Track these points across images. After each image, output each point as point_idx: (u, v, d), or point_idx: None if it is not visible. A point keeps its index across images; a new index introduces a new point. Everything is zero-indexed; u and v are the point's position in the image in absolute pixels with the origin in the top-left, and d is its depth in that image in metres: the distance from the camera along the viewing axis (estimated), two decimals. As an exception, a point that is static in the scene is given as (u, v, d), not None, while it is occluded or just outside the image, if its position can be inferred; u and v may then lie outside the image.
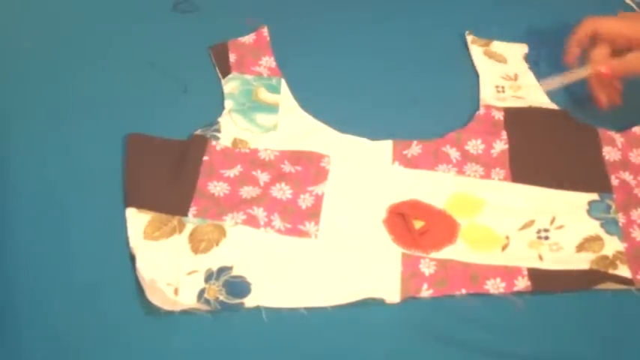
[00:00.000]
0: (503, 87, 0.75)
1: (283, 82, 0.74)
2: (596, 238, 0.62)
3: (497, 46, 0.79)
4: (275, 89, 0.74)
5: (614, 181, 0.66)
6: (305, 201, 0.64)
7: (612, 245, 0.61)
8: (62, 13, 0.82)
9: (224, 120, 0.70)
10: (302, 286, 0.59)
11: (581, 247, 0.61)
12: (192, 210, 0.63)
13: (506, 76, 0.76)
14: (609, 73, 0.69)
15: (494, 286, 0.59)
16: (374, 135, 0.70)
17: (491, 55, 0.78)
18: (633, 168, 0.67)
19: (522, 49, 0.79)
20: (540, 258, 0.61)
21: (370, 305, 0.58)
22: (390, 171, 0.67)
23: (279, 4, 0.84)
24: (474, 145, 0.69)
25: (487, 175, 0.67)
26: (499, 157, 0.68)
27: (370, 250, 0.62)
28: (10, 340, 0.56)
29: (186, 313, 0.57)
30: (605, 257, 0.60)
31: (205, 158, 0.67)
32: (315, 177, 0.66)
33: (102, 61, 0.77)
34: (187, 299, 0.57)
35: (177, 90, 0.74)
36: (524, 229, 0.63)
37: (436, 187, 0.66)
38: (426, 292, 0.59)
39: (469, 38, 0.79)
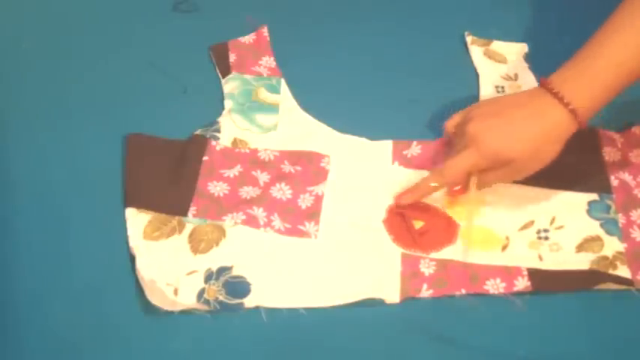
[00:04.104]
0: (503, 87, 0.75)
1: (283, 82, 0.74)
2: (596, 239, 0.62)
3: (498, 45, 0.79)
4: (275, 89, 0.74)
5: (614, 182, 0.66)
6: (305, 201, 0.64)
7: (612, 245, 0.61)
8: (62, 13, 0.82)
9: (224, 120, 0.70)
10: (302, 287, 0.59)
11: (581, 248, 0.61)
12: (192, 210, 0.63)
13: (506, 75, 0.76)
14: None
15: (494, 286, 0.59)
16: (374, 135, 0.70)
17: (491, 55, 0.78)
18: (633, 168, 0.67)
19: (523, 48, 0.79)
20: (540, 258, 0.61)
21: (370, 305, 0.58)
22: (390, 171, 0.67)
23: (279, 3, 0.84)
24: (474, 146, 0.69)
25: (487, 175, 0.67)
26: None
27: (370, 250, 0.62)
28: (10, 340, 0.56)
29: (185, 313, 0.57)
30: (605, 257, 0.60)
31: (205, 158, 0.67)
32: (315, 177, 0.66)
33: (102, 61, 0.77)
34: (187, 299, 0.57)
35: (177, 90, 0.74)
36: (524, 229, 0.63)
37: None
38: (425, 293, 0.59)
39: (469, 39, 0.79)
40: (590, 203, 0.64)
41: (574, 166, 0.67)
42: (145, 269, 0.58)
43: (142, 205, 0.63)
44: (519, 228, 0.63)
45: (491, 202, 0.65)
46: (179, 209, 0.63)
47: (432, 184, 0.63)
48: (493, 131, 0.60)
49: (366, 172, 0.67)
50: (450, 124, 0.66)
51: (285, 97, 0.73)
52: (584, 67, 0.59)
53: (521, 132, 0.59)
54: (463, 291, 0.59)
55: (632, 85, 0.72)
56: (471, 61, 0.78)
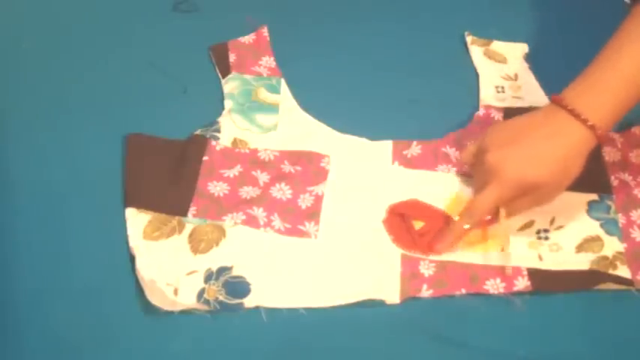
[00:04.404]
0: (503, 87, 0.75)
1: (283, 82, 0.74)
2: (596, 239, 0.62)
3: (498, 45, 0.79)
4: (275, 89, 0.74)
5: (614, 182, 0.66)
6: (305, 201, 0.64)
7: (612, 246, 0.61)
8: (62, 13, 0.82)
9: (224, 120, 0.70)
10: (302, 287, 0.59)
11: (580, 248, 0.61)
12: (192, 210, 0.63)
13: (506, 76, 0.76)
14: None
15: (494, 286, 0.59)
16: (374, 135, 0.70)
17: (491, 55, 0.78)
18: (633, 168, 0.67)
19: (523, 48, 0.79)
20: (540, 258, 0.61)
21: (370, 305, 0.58)
22: (390, 171, 0.67)
23: (279, 3, 0.84)
24: (474, 146, 0.69)
25: (487, 175, 0.67)
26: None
27: (370, 250, 0.61)
28: (10, 340, 0.56)
29: (185, 313, 0.57)
30: (605, 258, 0.60)
31: (205, 158, 0.67)
32: (315, 177, 0.66)
33: (102, 61, 0.77)
34: (187, 299, 0.57)
35: (177, 90, 0.74)
36: (524, 229, 0.63)
37: (436, 187, 0.66)
38: (425, 293, 0.59)
39: (469, 39, 0.79)
40: (590, 203, 0.64)
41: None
42: (144, 269, 0.58)
43: (141, 205, 0.63)
44: (519, 228, 0.63)
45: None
46: (179, 209, 0.63)
47: (465, 226, 0.60)
48: (513, 160, 0.58)
49: (366, 172, 0.67)
50: (466, 155, 0.64)
51: (285, 97, 0.73)
52: (595, 81, 0.57)
53: (542, 156, 0.57)
54: (463, 291, 0.59)
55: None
56: (471, 61, 0.78)
